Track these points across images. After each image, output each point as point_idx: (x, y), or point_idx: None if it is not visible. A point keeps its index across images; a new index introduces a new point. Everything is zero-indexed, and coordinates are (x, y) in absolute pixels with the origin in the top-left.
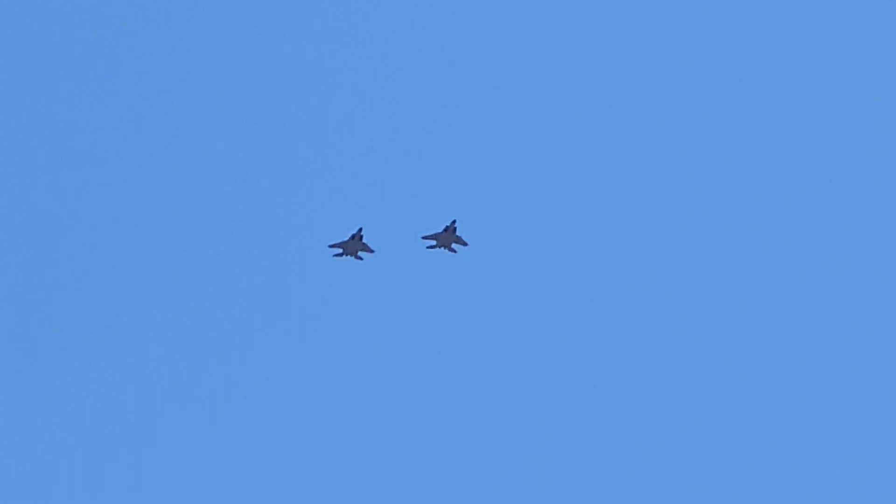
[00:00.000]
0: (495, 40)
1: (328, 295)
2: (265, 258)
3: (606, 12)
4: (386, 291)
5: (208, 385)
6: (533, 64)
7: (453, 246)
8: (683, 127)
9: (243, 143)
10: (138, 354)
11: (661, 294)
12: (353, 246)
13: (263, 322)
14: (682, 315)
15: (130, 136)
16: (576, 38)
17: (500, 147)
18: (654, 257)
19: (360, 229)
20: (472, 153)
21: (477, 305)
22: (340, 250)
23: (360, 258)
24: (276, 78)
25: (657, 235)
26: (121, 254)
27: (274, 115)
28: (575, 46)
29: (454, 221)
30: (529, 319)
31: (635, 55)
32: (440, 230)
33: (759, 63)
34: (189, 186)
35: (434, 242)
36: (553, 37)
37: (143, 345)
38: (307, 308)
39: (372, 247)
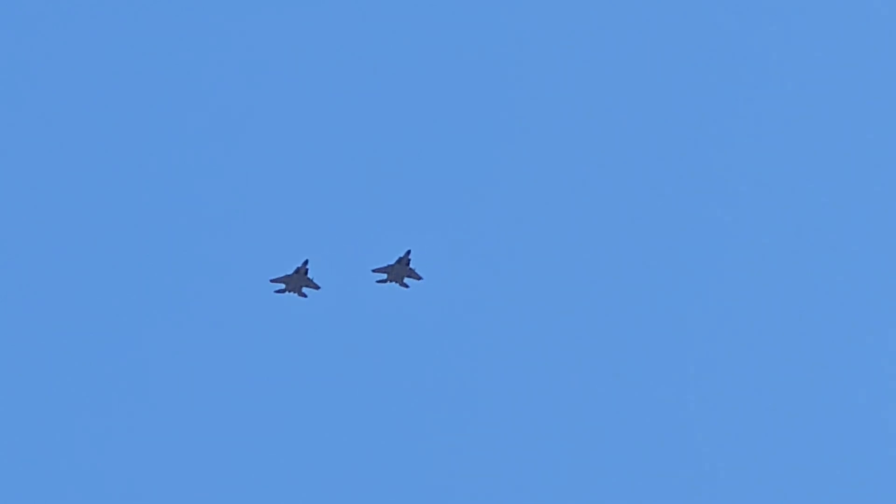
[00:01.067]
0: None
1: (268, 333)
2: (198, 291)
3: (604, 14)
4: (331, 330)
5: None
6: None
7: (406, 280)
8: (674, 132)
9: (180, 165)
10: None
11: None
12: (297, 281)
13: (193, 357)
14: (676, 324)
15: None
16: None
17: (455, 173)
18: (650, 263)
19: (306, 262)
20: (426, 179)
21: (431, 345)
22: (283, 286)
23: (304, 295)
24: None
25: (654, 239)
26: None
27: (206, 135)
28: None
29: (408, 252)
30: (491, 359)
31: (630, 62)
32: (392, 262)
33: (759, 63)
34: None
35: (385, 276)
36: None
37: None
38: (244, 346)
39: (317, 282)
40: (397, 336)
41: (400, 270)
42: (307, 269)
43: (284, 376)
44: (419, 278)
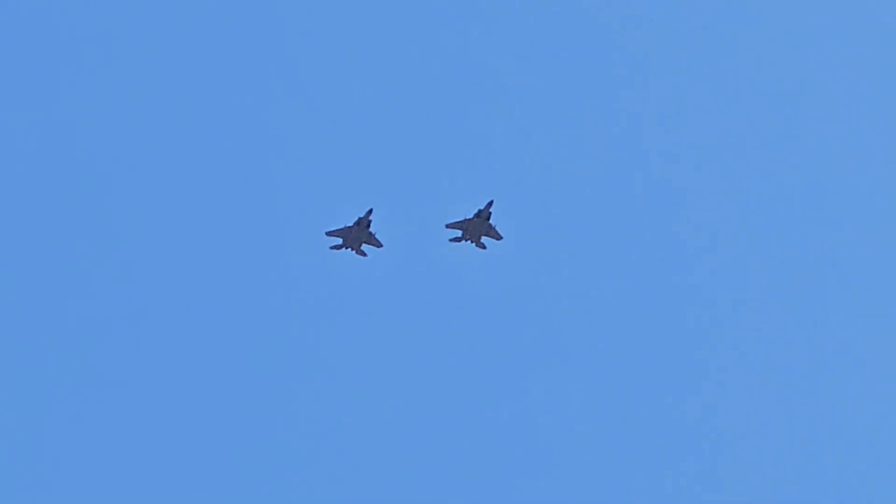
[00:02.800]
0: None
1: (319, 299)
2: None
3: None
4: (392, 297)
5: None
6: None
7: (483, 240)
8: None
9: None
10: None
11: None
12: (358, 235)
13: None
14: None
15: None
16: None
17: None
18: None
19: (370, 212)
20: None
21: (509, 319)
22: (340, 240)
23: (364, 254)
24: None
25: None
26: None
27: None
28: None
29: (490, 203)
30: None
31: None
32: (470, 216)
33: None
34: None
35: (459, 233)
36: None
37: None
38: (294, 312)
39: (380, 239)
40: (469, 307)
41: (478, 226)
42: (370, 221)
43: (337, 348)
44: (499, 237)
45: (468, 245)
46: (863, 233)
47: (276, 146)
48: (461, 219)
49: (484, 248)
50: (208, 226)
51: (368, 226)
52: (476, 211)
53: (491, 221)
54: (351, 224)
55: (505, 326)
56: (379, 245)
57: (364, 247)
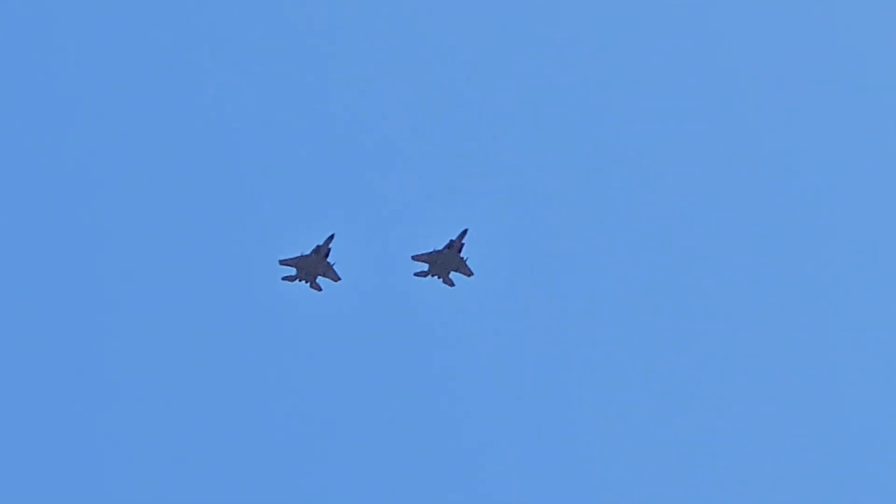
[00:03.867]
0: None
1: (262, 338)
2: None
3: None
4: (348, 340)
5: None
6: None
7: (452, 276)
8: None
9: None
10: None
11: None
12: (314, 265)
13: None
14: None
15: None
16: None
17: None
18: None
19: (331, 238)
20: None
21: (476, 365)
22: (294, 270)
23: (319, 287)
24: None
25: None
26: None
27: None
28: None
29: (464, 233)
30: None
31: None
32: (440, 247)
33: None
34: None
35: (426, 267)
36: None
37: None
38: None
39: (339, 272)
40: (433, 352)
41: (448, 259)
42: (329, 250)
43: (279, 392)
44: (470, 274)
45: (435, 281)
46: (862, 233)
47: (227, 164)
48: (430, 250)
49: (452, 284)
50: (144, 244)
51: (327, 255)
52: (448, 242)
53: (462, 255)
54: (308, 252)
55: (471, 374)
56: (336, 279)
57: (320, 280)
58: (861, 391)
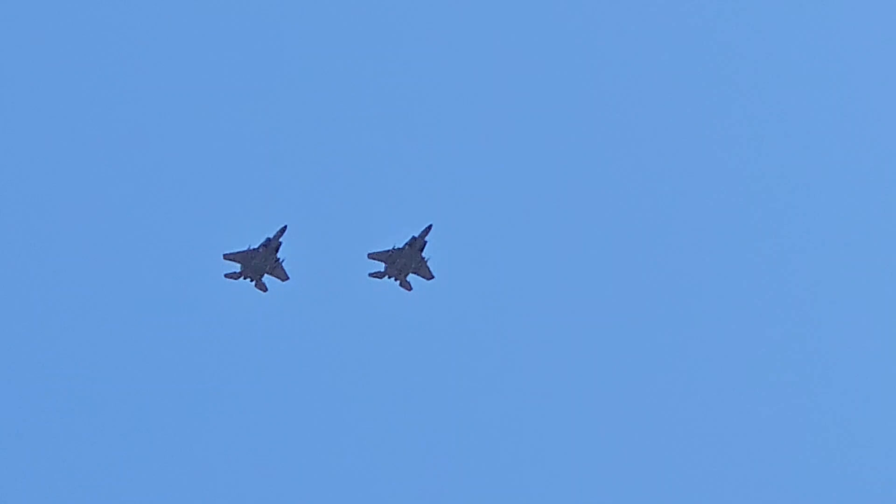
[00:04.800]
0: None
1: (201, 341)
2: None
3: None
4: (294, 347)
5: None
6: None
7: (410, 278)
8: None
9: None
10: None
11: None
12: (262, 261)
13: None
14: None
15: None
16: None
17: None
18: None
19: (283, 230)
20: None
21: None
22: (238, 267)
23: (264, 287)
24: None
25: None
26: None
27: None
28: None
29: (428, 230)
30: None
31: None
32: (400, 245)
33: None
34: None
35: (382, 268)
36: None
37: None
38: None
39: (287, 270)
40: (385, 361)
41: (407, 259)
42: (279, 245)
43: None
44: (430, 277)
45: (391, 283)
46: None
47: (174, 148)
48: (389, 248)
49: (409, 288)
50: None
51: (277, 249)
52: (410, 238)
53: (424, 254)
54: (256, 246)
55: (425, 386)
56: (284, 278)
57: (266, 278)
58: (861, 391)
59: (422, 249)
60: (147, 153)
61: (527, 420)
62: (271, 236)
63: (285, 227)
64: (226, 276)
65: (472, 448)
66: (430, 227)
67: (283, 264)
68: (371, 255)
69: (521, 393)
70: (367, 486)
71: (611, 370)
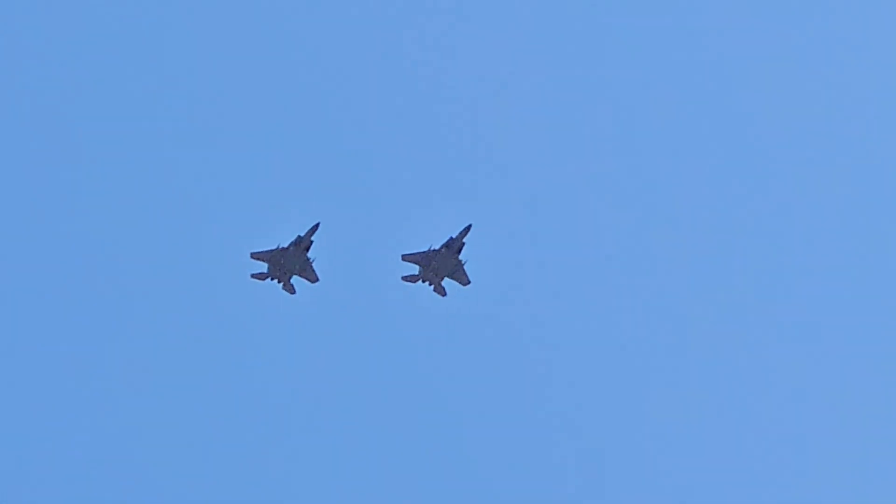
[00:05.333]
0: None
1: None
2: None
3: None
4: (322, 353)
5: None
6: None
7: (445, 283)
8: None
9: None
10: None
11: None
12: (291, 261)
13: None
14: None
15: None
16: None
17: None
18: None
19: (315, 228)
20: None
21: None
22: (266, 267)
23: (292, 289)
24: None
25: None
26: None
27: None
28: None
29: (467, 230)
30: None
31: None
32: (437, 246)
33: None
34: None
35: (417, 271)
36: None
37: None
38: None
39: (317, 271)
40: (417, 371)
41: (443, 261)
42: (311, 244)
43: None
44: (466, 282)
45: (425, 288)
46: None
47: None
48: (425, 250)
49: (443, 293)
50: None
51: (308, 248)
52: (447, 239)
53: (462, 257)
54: (286, 245)
55: (457, 396)
56: (314, 279)
57: (295, 280)
58: (859, 392)
59: (459, 251)
60: (173, 146)
61: (564, 430)
62: (302, 234)
63: (318, 224)
64: (252, 276)
65: (504, 457)
66: (469, 228)
67: (314, 265)
68: (405, 257)
69: (558, 405)
70: (392, 489)
71: (645, 380)
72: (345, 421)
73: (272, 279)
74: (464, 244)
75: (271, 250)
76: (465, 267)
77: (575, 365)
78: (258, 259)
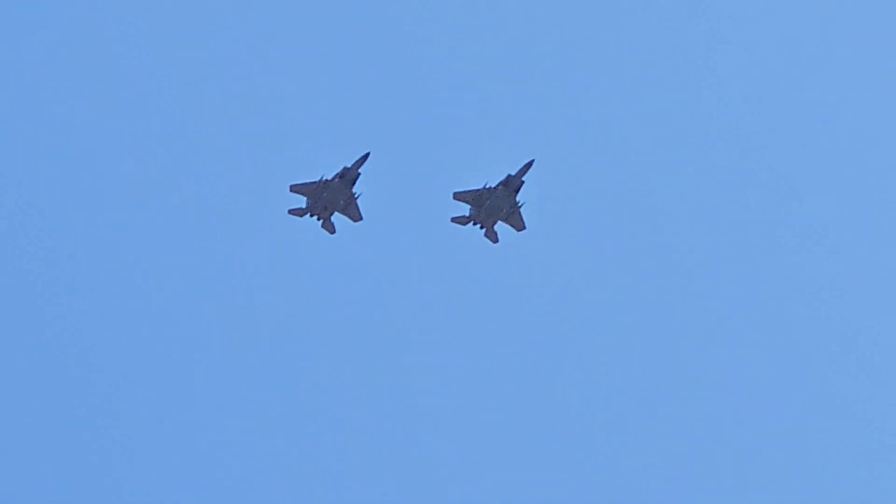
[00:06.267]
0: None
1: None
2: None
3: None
4: (363, 300)
5: None
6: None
7: (498, 227)
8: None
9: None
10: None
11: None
12: (334, 196)
13: None
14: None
15: None
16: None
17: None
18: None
19: (364, 159)
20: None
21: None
22: (305, 201)
23: (332, 228)
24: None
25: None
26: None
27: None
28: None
29: (528, 166)
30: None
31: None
32: (493, 184)
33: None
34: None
35: (468, 211)
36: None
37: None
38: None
39: (361, 209)
40: (465, 323)
41: (498, 201)
42: (357, 176)
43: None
44: (522, 227)
45: (475, 231)
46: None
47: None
48: (479, 187)
49: (495, 239)
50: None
51: (354, 182)
52: (505, 176)
53: (519, 199)
54: (330, 177)
55: (508, 348)
56: (357, 217)
57: (336, 217)
58: (860, 392)
59: (517, 191)
60: (221, 66)
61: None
62: (349, 165)
63: (367, 154)
64: (289, 211)
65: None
66: (530, 164)
67: (358, 201)
68: (457, 195)
69: (609, 369)
70: (442, 456)
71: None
72: (383, 377)
73: (311, 215)
74: (523, 182)
75: (313, 182)
76: (521, 210)
77: (629, 328)
78: (298, 192)
